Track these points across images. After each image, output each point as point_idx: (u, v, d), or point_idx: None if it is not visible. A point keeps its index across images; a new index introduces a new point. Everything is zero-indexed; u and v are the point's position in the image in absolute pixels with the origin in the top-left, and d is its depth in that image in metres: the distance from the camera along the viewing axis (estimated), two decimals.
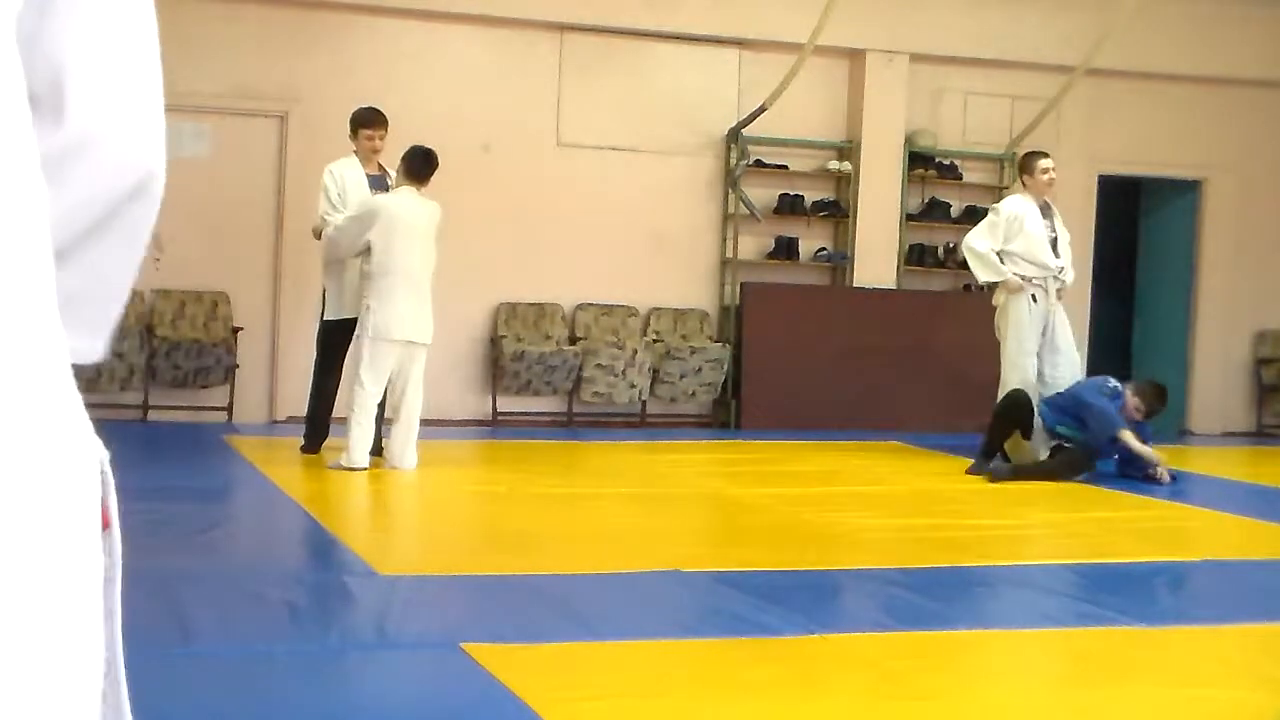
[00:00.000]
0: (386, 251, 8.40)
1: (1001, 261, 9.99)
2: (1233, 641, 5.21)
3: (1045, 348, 10.04)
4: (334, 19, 11.22)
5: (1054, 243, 10.09)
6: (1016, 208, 10.11)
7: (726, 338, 12.00)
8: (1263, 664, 4.88)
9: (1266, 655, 5.02)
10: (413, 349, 8.54)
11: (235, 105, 11.00)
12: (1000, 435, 9.50)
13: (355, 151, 8.93)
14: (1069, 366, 10.04)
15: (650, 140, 11.91)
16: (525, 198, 11.55)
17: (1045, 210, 10.14)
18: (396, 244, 8.41)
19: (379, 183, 8.80)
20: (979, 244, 9.99)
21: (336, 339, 8.82)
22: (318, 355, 9.05)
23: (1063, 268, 10.05)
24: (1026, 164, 10.30)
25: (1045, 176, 10.08)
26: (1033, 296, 9.95)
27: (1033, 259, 9.94)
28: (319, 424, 9.04)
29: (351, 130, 8.95)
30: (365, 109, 9.03)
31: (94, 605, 1.07)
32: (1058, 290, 10.10)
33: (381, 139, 8.83)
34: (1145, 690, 4.52)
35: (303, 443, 9.09)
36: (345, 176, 8.82)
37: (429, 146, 8.65)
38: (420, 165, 8.55)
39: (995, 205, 10.45)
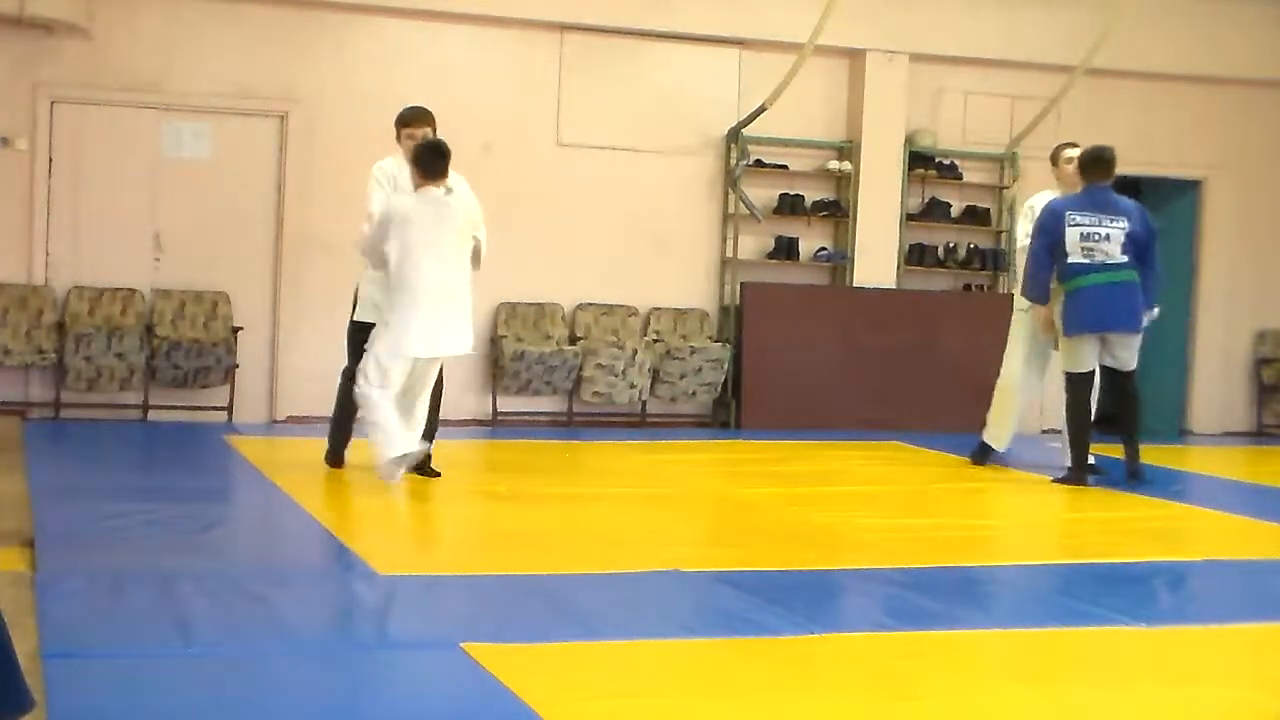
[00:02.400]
0: (402, 263, 7.83)
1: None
2: (1233, 641, 5.21)
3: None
4: (334, 19, 11.23)
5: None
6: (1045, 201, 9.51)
7: (726, 338, 12.00)
8: (1263, 664, 4.88)
9: (1266, 655, 5.02)
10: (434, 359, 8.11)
11: (235, 105, 11.00)
12: (1083, 446, 8.93)
13: (402, 152, 8.37)
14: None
15: (650, 140, 11.92)
16: (525, 198, 11.55)
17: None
18: (414, 252, 7.82)
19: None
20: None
21: (364, 340, 8.25)
22: (348, 356, 8.47)
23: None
24: (1054, 155, 9.77)
25: (1070, 166, 9.56)
26: None
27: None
28: (339, 430, 8.53)
29: (396, 130, 8.45)
30: (409, 108, 8.54)
31: None
32: None
33: (424, 138, 8.25)
34: (1145, 690, 4.52)
35: (326, 453, 8.63)
36: (398, 176, 8.25)
37: (435, 139, 8.16)
38: (428, 161, 7.96)
39: (1029, 202, 9.79)
